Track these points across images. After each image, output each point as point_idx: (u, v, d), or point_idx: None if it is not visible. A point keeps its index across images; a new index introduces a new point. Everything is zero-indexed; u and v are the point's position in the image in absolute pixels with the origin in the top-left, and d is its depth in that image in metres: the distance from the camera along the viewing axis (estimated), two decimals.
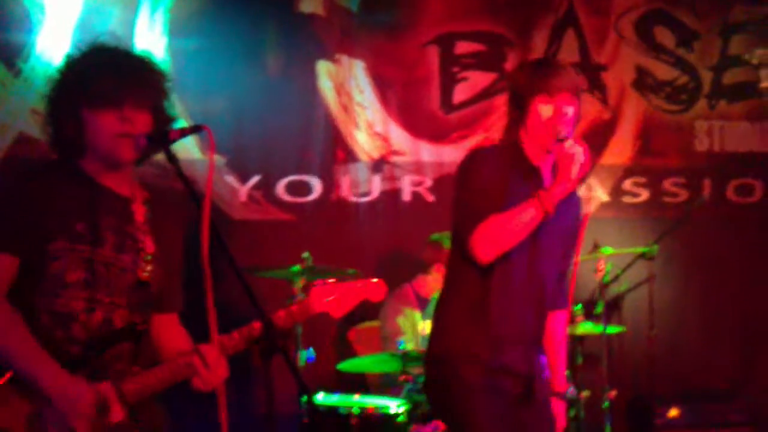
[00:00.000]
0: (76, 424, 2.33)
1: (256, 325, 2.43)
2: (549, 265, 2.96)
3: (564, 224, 2.94)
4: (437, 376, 2.98)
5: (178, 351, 2.51)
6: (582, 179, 2.80)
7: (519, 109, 2.92)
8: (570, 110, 2.86)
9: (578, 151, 2.75)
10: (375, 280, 2.66)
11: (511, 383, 2.91)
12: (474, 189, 2.88)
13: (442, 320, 3.00)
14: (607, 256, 5.00)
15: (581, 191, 2.91)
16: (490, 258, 2.82)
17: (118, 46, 2.49)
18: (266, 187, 5.34)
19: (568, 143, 2.77)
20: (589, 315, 4.92)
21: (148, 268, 2.50)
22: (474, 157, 2.96)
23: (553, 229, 2.90)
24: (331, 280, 2.62)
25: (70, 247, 2.39)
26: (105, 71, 2.39)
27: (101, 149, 2.43)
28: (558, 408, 3.06)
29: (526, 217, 2.78)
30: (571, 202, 2.94)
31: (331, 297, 2.60)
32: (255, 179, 5.33)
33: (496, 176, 2.87)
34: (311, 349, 4.31)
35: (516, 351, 2.92)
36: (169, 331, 2.63)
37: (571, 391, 4.45)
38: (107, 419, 2.36)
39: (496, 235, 2.79)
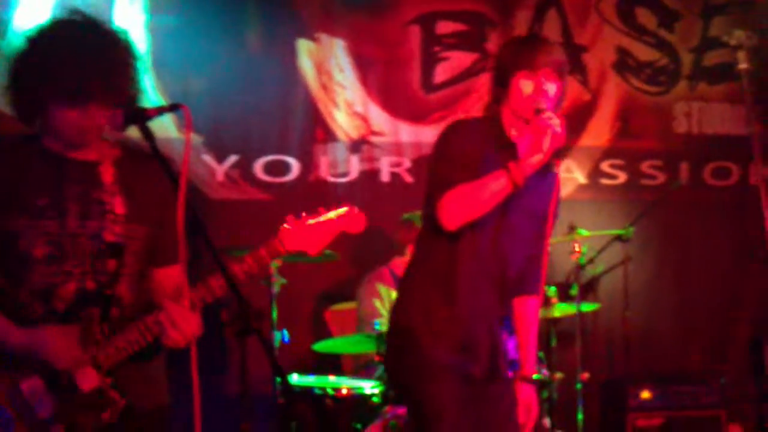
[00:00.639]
0: (53, 389, 2.35)
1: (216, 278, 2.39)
2: (516, 244, 2.94)
3: (537, 204, 2.92)
4: (398, 347, 2.98)
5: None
6: (556, 154, 2.77)
7: (501, 84, 2.94)
8: (552, 87, 2.87)
9: (554, 123, 2.74)
10: (353, 209, 2.52)
11: (473, 364, 2.92)
12: (448, 158, 2.89)
13: (407, 290, 3.02)
14: (583, 238, 5.03)
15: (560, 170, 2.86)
16: (455, 225, 2.82)
17: (82, 23, 2.41)
18: (244, 167, 5.32)
19: (546, 114, 2.77)
20: (564, 297, 4.95)
21: (117, 229, 2.48)
22: (452, 128, 2.99)
23: (524, 207, 2.90)
24: (303, 215, 2.50)
25: (31, 223, 2.40)
26: (66, 68, 2.31)
27: (66, 138, 2.43)
28: (528, 393, 3.06)
29: (494, 187, 2.78)
30: (546, 182, 2.90)
31: (303, 233, 2.46)
32: (233, 159, 5.31)
33: (472, 148, 2.89)
34: (285, 330, 4.31)
35: (479, 329, 2.93)
36: (167, 285, 2.57)
37: (544, 372, 4.48)
38: (81, 385, 2.37)
39: (463, 204, 2.80)
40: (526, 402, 3.05)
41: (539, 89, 2.85)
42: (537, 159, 2.75)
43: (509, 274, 2.97)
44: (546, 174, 2.85)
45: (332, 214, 2.53)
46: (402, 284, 3.08)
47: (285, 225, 2.49)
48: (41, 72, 2.34)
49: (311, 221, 2.50)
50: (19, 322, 2.39)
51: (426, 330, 2.89)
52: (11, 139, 2.50)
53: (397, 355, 3.00)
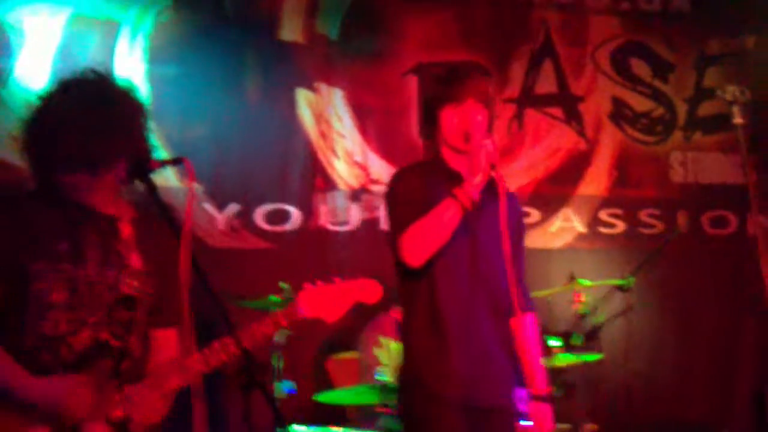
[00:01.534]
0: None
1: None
2: (495, 265, 2.96)
3: (497, 224, 2.92)
4: (409, 397, 3.02)
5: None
6: (494, 167, 2.87)
7: (430, 119, 3.07)
8: (479, 117, 2.98)
9: (485, 143, 2.86)
10: (371, 282, 2.61)
11: (481, 395, 2.95)
12: (399, 202, 3.00)
13: (404, 341, 3.07)
14: (584, 288, 5.01)
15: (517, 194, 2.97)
16: (419, 261, 2.90)
17: (90, 86, 2.44)
18: (244, 216, 5.32)
19: (474, 139, 2.89)
20: (566, 346, 4.93)
21: (134, 283, 2.49)
22: (397, 176, 3.12)
23: (487, 229, 2.96)
24: (320, 283, 2.58)
25: (51, 267, 2.40)
26: (75, 135, 2.35)
27: (77, 196, 2.46)
28: (542, 411, 3.07)
29: (446, 216, 2.87)
30: (498, 199, 2.92)
31: (320, 301, 2.54)
32: (233, 207, 5.31)
33: (419, 187, 3.00)
34: (289, 381, 4.28)
35: (478, 359, 2.95)
36: (164, 347, 2.60)
37: None
38: None
39: (421, 238, 2.88)
40: (541, 420, 3.07)
41: (466, 120, 2.96)
42: (478, 179, 2.86)
43: (497, 295, 2.99)
44: (496, 193, 2.92)
45: (349, 284, 2.61)
46: (400, 337, 3.12)
47: (303, 291, 2.57)
48: (49, 142, 2.38)
49: (329, 290, 2.58)
50: (26, 370, 2.36)
51: (430, 375, 2.94)
52: (32, 190, 2.52)
53: (410, 404, 3.03)
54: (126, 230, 2.52)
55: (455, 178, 2.99)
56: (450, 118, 3.00)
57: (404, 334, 3.08)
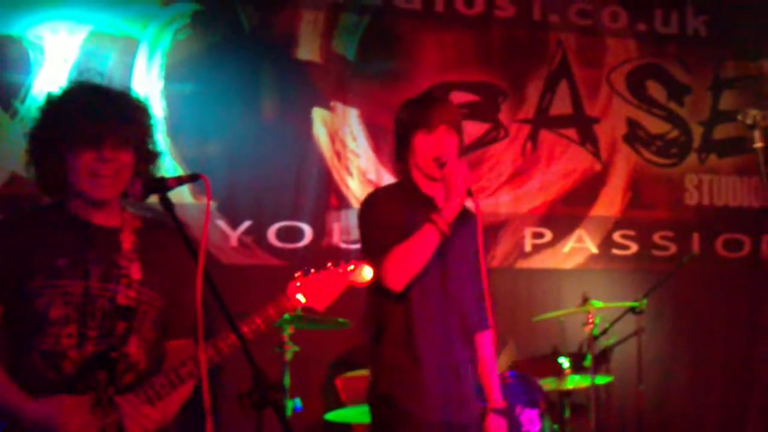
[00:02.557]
0: None
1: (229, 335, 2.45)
2: (462, 286, 3.08)
3: (467, 246, 3.08)
4: (384, 415, 3.04)
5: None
6: (470, 193, 2.94)
7: (403, 144, 3.12)
8: (450, 142, 3.06)
9: (459, 169, 2.94)
10: (360, 263, 2.60)
11: (457, 414, 2.99)
12: (375, 225, 3.05)
13: (377, 359, 3.09)
14: (596, 309, 5.00)
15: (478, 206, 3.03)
16: (401, 286, 2.96)
17: (98, 83, 2.51)
18: (257, 233, 5.33)
19: (450, 164, 2.97)
20: (577, 368, 4.91)
21: (131, 293, 2.49)
22: (372, 197, 3.18)
23: (457, 252, 3.05)
24: (312, 270, 2.56)
25: (50, 283, 2.41)
26: (82, 112, 2.40)
27: (80, 188, 2.46)
28: (498, 424, 3.12)
29: (425, 241, 2.94)
30: (471, 224, 3.06)
31: (311, 289, 2.53)
32: (246, 224, 5.32)
33: (394, 210, 3.05)
34: (298, 399, 4.27)
35: (450, 379, 3.00)
36: (176, 358, 2.58)
37: None
38: None
39: (402, 264, 2.94)
40: None
41: (438, 145, 3.03)
42: (455, 203, 2.94)
43: (466, 315, 3.08)
44: (466, 217, 3.04)
45: (339, 269, 2.60)
46: (371, 354, 3.14)
47: (292, 281, 2.56)
48: (57, 119, 2.43)
49: (318, 277, 2.57)
50: (30, 388, 2.38)
51: (404, 394, 2.99)
52: (37, 207, 2.56)
53: (384, 424, 3.05)
54: (127, 241, 2.53)
55: (428, 203, 3.07)
56: (422, 144, 3.06)
57: (375, 352, 3.10)
